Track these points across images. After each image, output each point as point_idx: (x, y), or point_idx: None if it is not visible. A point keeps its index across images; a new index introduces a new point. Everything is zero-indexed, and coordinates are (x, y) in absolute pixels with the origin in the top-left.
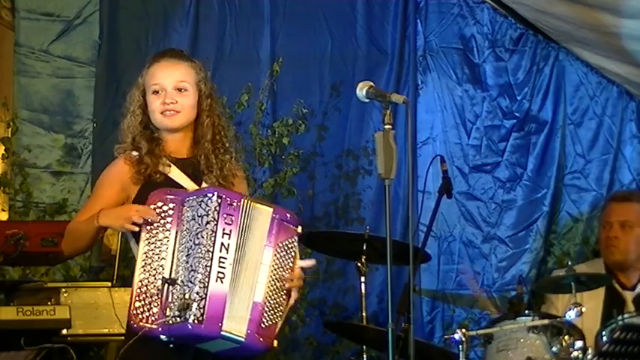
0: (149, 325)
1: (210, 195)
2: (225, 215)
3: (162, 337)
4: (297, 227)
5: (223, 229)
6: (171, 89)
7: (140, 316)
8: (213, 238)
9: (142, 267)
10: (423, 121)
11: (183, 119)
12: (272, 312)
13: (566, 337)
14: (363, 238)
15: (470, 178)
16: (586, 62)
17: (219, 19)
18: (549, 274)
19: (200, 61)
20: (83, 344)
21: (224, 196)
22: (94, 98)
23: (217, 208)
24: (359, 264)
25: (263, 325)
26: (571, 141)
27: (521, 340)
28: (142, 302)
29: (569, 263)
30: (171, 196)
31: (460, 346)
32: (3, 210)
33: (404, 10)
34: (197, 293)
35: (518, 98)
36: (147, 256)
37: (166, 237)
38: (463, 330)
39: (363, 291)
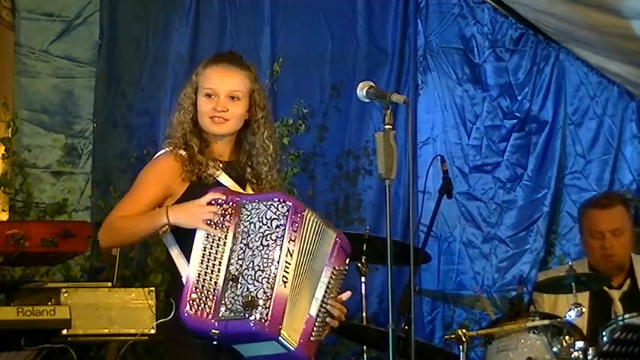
0: (203, 320)
1: (281, 200)
2: (292, 222)
3: (214, 331)
4: (348, 256)
5: (290, 236)
6: (224, 96)
7: (195, 308)
8: (281, 242)
9: (200, 261)
10: (423, 121)
11: (230, 127)
12: (319, 329)
13: (567, 338)
14: (364, 238)
15: (470, 179)
16: (586, 62)
17: (219, 19)
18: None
19: (255, 68)
20: (83, 344)
21: (293, 204)
22: (94, 98)
23: (287, 214)
24: (359, 264)
25: (311, 339)
26: (571, 141)
27: (522, 340)
28: (199, 295)
29: (569, 263)
30: (232, 197)
31: (460, 346)
32: (3, 210)
33: (404, 10)
34: (264, 292)
35: (519, 98)
36: (205, 251)
37: (225, 235)
38: (463, 330)
39: (364, 291)
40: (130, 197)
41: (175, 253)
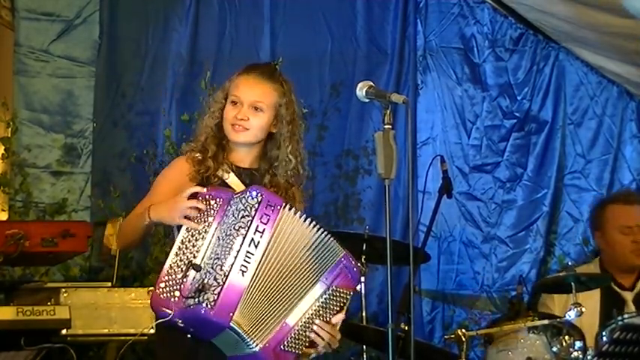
0: (164, 309)
1: (252, 192)
2: (262, 214)
3: (177, 320)
4: (355, 285)
5: (257, 226)
6: (247, 106)
7: (161, 296)
8: (244, 231)
9: (176, 253)
10: (423, 120)
11: (249, 137)
12: (296, 342)
13: (567, 337)
14: (363, 238)
15: (470, 178)
16: (586, 62)
17: (219, 19)
18: (549, 274)
19: (290, 84)
20: (83, 344)
21: (265, 196)
22: (94, 98)
23: (256, 206)
24: (359, 264)
25: (282, 347)
26: (571, 141)
27: (522, 340)
28: (166, 284)
29: (569, 263)
30: (220, 193)
31: (460, 346)
32: (3, 210)
33: (404, 10)
34: (215, 279)
35: (519, 98)
36: (182, 244)
37: (205, 229)
38: (463, 330)
39: (363, 291)
40: (144, 199)
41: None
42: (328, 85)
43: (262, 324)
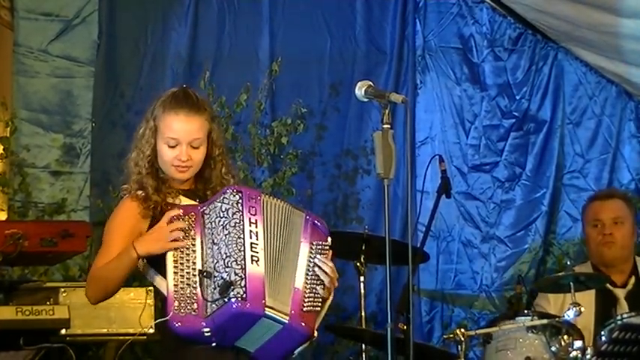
0: (192, 322)
1: (229, 191)
2: (249, 207)
3: (205, 330)
4: (327, 235)
5: (249, 219)
6: (186, 145)
7: (181, 316)
8: (241, 226)
9: (174, 273)
10: (421, 120)
11: (193, 172)
12: (312, 299)
13: (565, 337)
14: (362, 237)
15: (469, 178)
16: (585, 62)
17: (218, 19)
18: (548, 274)
19: (208, 104)
20: (82, 344)
21: (245, 191)
22: (93, 98)
23: (240, 201)
24: (358, 264)
25: (304, 309)
26: (570, 141)
27: (520, 339)
28: (179, 302)
29: (568, 263)
30: (190, 209)
31: (459, 346)
32: (2, 210)
33: (403, 10)
34: (236, 274)
35: (517, 98)
36: (177, 263)
37: (193, 244)
38: (462, 330)
39: (362, 291)
40: (102, 249)
41: (158, 281)
42: (327, 84)
43: (283, 298)
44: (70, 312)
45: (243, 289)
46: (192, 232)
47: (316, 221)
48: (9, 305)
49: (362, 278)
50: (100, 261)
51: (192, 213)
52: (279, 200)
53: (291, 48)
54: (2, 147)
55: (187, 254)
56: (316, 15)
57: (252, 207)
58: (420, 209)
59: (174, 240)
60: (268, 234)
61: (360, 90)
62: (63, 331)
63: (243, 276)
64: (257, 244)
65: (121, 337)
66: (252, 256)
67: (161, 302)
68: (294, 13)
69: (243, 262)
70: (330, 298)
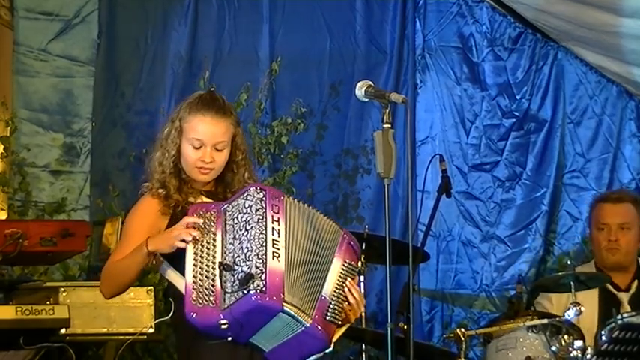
0: (209, 314)
1: (252, 188)
2: (272, 205)
3: (222, 322)
4: (359, 258)
5: (272, 216)
6: (210, 147)
7: (198, 307)
8: (264, 222)
9: (194, 266)
10: (422, 120)
11: (215, 175)
12: (336, 312)
13: (566, 337)
14: (362, 237)
15: (469, 178)
16: (585, 61)
17: (218, 19)
18: (549, 273)
19: (235, 112)
20: (82, 343)
21: (269, 190)
22: (93, 97)
23: (263, 198)
24: (358, 263)
25: (327, 318)
26: (570, 140)
27: (521, 339)
28: (198, 294)
29: (569, 262)
30: (212, 206)
31: (459, 346)
32: (2, 209)
33: (403, 10)
34: (257, 267)
35: (518, 97)
36: (197, 256)
37: (213, 239)
38: (462, 329)
39: (363, 290)
40: (119, 245)
41: (171, 274)
42: (327, 84)
43: (306, 300)
44: (70, 311)
45: (263, 282)
46: (212, 229)
47: (352, 242)
48: (9, 305)
49: (362, 278)
50: (116, 256)
51: (214, 210)
52: (303, 204)
53: (291, 47)
54: (2, 146)
55: (207, 248)
56: (316, 15)
57: (275, 205)
58: (421, 209)
59: (184, 241)
60: (291, 233)
61: (361, 90)
62: (63, 331)
63: (264, 270)
64: (278, 242)
65: (121, 337)
66: (273, 252)
67: (170, 299)
68: (294, 12)
69: (264, 256)
70: (352, 321)
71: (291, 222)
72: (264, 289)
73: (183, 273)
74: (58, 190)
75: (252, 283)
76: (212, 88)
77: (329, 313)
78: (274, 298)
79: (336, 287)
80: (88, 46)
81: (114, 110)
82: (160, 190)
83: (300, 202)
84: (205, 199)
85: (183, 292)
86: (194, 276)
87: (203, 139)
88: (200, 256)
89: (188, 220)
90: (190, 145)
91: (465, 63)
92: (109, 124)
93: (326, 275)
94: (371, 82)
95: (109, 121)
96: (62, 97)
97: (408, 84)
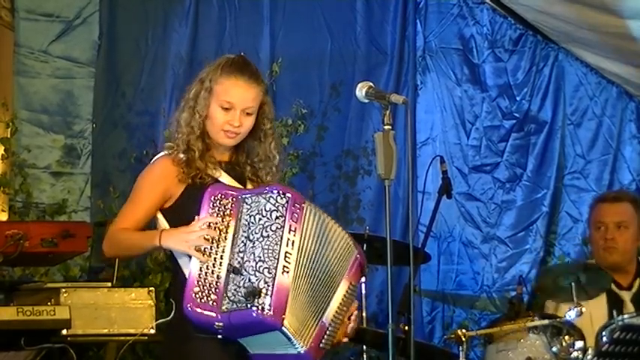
0: (207, 313)
1: (280, 192)
2: (292, 213)
3: (218, 324)
4: (362, 276)
5: (290, 226)
6: (240, 111)
7: (198, 302)
8: (281, 232)
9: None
10: (422, 121)
11: (239, 139)
12: (330, 338)
13: (566, 337)
14: (363, 238)
15: (469, 179)
16: (585, 62)
17: (218, 19)
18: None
19: (265, 81)
20: (83, 344)
21: (292, 195)
22: (94, 99)
23: (286, 205)
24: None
25: (321, 345)
26: (570, 141)
27: (521, 340)
28: (201, 288)
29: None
30: (232, 192)
31: (460, 347)
32: (3, 210)
33: (403, 11)
34: (265, 282)
35: (518, 99)
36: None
37: (226, 229)
38: (463, 330)
39: (363, 291)
40: (129, 205)
41: (183, 259)
42: (328, 85)
43: (306, 325)
44: (70, 312)
45: (269, 299)
46: (227, 219)
47: (362, 262)
48: (10, 306)
49: (363, 279)
50: (125, 217)
51: (232, 197)
52: (322, 212)
53: (291, 48)
54: (3, 148)
55: (219, 239)
56: (317, 15)
57: (295, 213)
58: (421, 210)
59: (198, 249)
60: (304, 246)
61: (361, 91)
62: (64, 332)
63: (271, 286)
64: (291, 255)
65: (122, 338)
66: (284, 266)
67: (171, 300)
68: (294, 13)
69: (275, 271)
70: (342, 341)
71: (305, 232)
72: (269, 307)
73: (189, 256)
74: (59, 191)
75: (257, 299)
76: (242, 53)
77: (324, 341)
78: (275, 316)
79: (337, 312)
80: (89, 48)
81: (114, 111)
82: (182, 155)
83: (320, 211)
84: (224, 174)
85: (187, 275)
86: (200, 268)
87: (234, 102)
88: (210, 247)
89: (208, 220)
90: (220, 107)
91: (465, 64)
92: (110, 125)
93: (330, 300)
94: (371, 83)
95: (110, 122)
96: (63, 98)
97: (408, 85)
